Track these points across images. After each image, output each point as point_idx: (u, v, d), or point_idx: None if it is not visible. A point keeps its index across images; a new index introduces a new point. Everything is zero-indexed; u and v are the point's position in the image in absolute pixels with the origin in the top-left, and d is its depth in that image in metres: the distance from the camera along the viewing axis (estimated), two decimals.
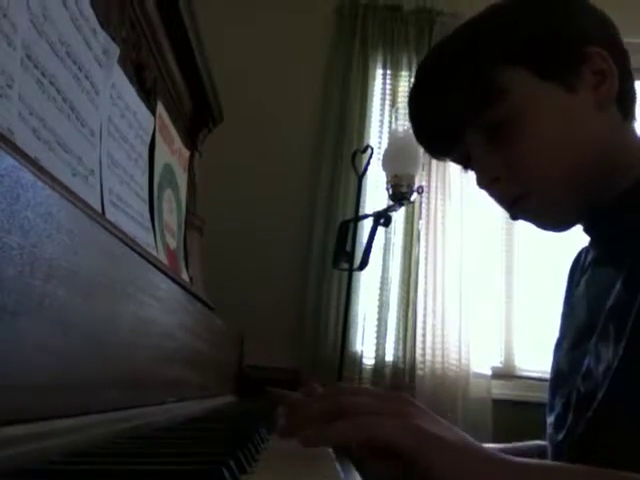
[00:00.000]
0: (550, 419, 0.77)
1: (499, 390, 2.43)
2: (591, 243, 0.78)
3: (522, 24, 0.72)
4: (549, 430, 0.76)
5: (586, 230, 0.76)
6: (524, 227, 2.49)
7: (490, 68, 0.71)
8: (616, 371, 0.62)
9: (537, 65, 0.70)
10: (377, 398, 0.55)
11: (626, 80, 0.72)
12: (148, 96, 1.07)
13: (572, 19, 0.72)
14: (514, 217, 0.76)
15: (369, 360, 2.41)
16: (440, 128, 0.76)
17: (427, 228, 2.51)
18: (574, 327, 0.76)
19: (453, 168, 2.53)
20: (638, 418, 0.59)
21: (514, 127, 0.70)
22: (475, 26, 0.75)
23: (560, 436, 0.72)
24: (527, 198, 0.72)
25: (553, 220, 0.75)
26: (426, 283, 2.46)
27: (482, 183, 0.74)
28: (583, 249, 0.85)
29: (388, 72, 2.65)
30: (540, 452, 0.86)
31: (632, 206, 0.69)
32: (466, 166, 0.78)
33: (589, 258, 0.81)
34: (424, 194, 2.43)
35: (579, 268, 0.83)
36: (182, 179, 1.28)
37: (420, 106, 0.78)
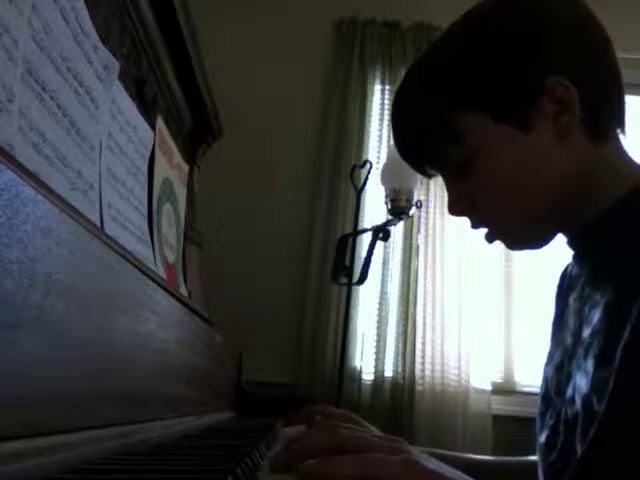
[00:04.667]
0: (541, 439, 0.76)
1: (499, 406, 2.41)
2: (574, 257, 0.78)
3: (473, 67, 0.70)
4: (540, 450, 0.76)
5: (569, 243, 0.76)
6: None
7: (445, 114, 0.71)
8: (590, 406, 0.62)
9: (490, 109, 0.69)
10: (372, 435, 0.55)
11: (600, 98, 0.69)
12: (148, 111, 1.08)
13: (527, 52, 0.68)
14: (488, 241, 0.77)
15: (368, 375, 2.40)
16: (410, 160, 0.80)
17: (426, 242, 2.51)
18: (562, 345, 0.76)
19: None
20: (617, 453, 0.58)
21: (472, 167, 0.72)
22: (428, 70, 0.75)
23: (552, 458, 0.71)
24: (493, 229, 0.75)
25: (522, 245, 0.77)
26: (425, 298, 2.46)
27: (451, 212, 0.78)
28: (570, 263, 0.85)
29: (386, 87, 2.67)
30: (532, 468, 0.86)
31: (609, 229, 0.68)
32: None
33: (574, 271, 0.80)
34: (423, 208, 2.44)
35: (566, 283, 0.83)
36: (181, 194, 1.28)
37: (393, 136, 0.81)
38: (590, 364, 0.64)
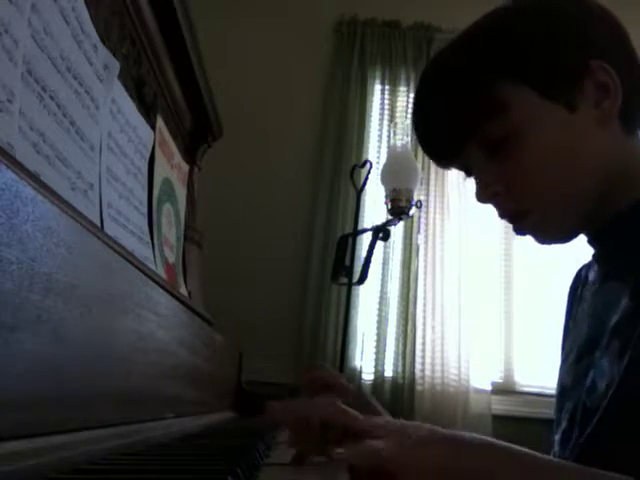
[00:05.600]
0: (557, 436, 0.75)
1: (499, 406, 2.41)
2: (595, 255, 0.77)
3: (523, 40, 0.70)
4: (556, 447, 0.75)
5: (590, 242, 0.75)
6: (523, 242, 2.49)
7: (490, 84, 0.70)
8: (617, 388, 0.62)
9: (537, 84, 0.69)
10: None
11: (633, 92, 0.70)
12: (148, 111, 1.08)
13: (576, 32, 0.70)
14: (517, 232, 0.75)
15: (368, 375, 2.40)
16: (440, 140, 0.77)
17: (426, 242, 2.51)
18: (578, 342, 0.75)
19: (451, 183, 2.53)
20: (636, 435, 0.58)
21: (512, 144, 0.70)
22: (475, 39, 0.74)
23: (566, 452, 0.71)
24: (525, 215, 0.72)
25: (553, 236, 0.74)
26: (425, 298, 2.46)
27: (480, 198, 0.74)
28: (583, 266, 0.85)
29: (386, 87, 2.66)
30: None
31: (637, 221, 0.68)
32: (468, 174, 0.78)
33: (590, 274, 0.80)
34: (423, 208, 2.44)
35: (581, 285, 0.82)
36: (181, 193, 1.28)
37: (420, 116, 0.78)
38: (616, 350, 0.64)
